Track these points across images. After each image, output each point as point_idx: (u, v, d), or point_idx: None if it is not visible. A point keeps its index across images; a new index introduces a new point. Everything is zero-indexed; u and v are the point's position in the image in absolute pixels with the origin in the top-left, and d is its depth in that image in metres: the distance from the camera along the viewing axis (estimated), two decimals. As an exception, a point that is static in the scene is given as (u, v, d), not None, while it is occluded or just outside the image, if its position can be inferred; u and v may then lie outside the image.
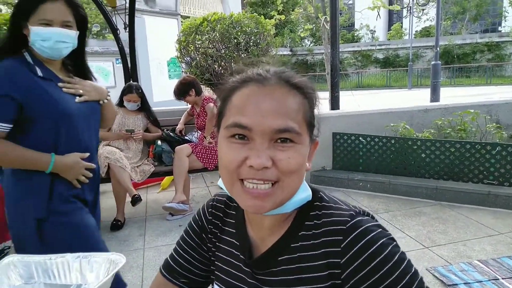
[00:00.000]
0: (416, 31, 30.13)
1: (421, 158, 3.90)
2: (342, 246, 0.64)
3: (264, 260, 0.72)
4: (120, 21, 5.65)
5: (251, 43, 5.02)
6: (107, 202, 4.00)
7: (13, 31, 1.39)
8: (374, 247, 0.62)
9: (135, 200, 3.27)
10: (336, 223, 0.66)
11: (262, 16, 5.49)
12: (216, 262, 0.81)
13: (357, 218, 0.66)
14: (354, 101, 8.86)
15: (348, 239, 0.64)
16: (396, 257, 0.63)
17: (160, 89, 11.25)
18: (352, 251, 0.63)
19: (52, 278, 0.97)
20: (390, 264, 0.62)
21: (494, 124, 4.22)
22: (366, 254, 0.62)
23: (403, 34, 31.92)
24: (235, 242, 0.78)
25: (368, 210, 2.87)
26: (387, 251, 0.62)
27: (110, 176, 3.38)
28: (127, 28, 5.29)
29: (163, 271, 0.84)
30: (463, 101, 5.12)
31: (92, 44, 15.03)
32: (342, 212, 0.68)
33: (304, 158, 0.65)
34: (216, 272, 0.81)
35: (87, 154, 1.51)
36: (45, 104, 1.37)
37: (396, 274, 0.61)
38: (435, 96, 10.78)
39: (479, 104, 4.74)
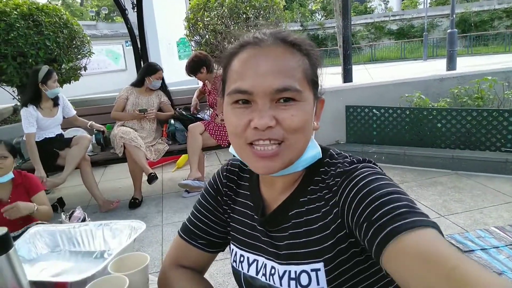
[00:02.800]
0: (431, 0, 29.08)
1: (437, 128, 3.84)
2: (338, 184, 0.66)
3: (275, 217, 0.74)
4: (128, 2, 5.62)
5: (260, 18, 4.93)
6: (125, 181, 4.10)
7: None
8: (364, 181, 0.62)
9: (151, 178, 3.33)
10: (339, 170, 0.68)
11: (271, -10, 5.37)
12: (232, 223, 0.84)
13: (360, 164, 0.67)
14: (367, 75, 8.70)
15: (342, 179, 0.65)
16: (387, 189, 0.59)
17: (171, 70, 11.27)
18: (344, 187, 0.64)
19: (76, 246, 1.02)
20: (378, 193, 0.59)
21: (513, 90, 4.11)
22: (356, 188, 0.62)
23: (417, 3, 30.83)
24: (249, 203, 0.80)
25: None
26: (375, 184, 0.61)
27: (126, 156, 3.44)
28: (135, 7, 5.26)
29: (181, 233, 0.86)
30: (480, 69, 4.97)
31: (101, 27, 15.04)
32: (347, 163, 0.69)
33: (309, 115, 0.65)
34: (232, 233, 0.84)
35: None
36: None
37: (388, 197, 0.58)
38: (451, 66, 10.49)
39: (496, 71, 4.60)
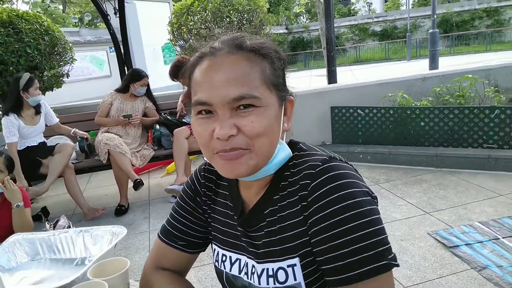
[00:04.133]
0: (414, 1, 29.57)
1: (421, 127, 3.90)
2: (309, 189, 0.65)
3: (251, 217, 0.75)
4: (110, 8, 5.58)
5: (244, 21, 4.95)
6: (110, 188, 4.05)
7: None
8: (338, 194, 0.62)
9: (137, 184, 3.30)
10: (307, 167, 0.67)
11: (254, -7, 5.40)
12: (212, 224, 0.84)
13: (330, 163, 0.66)
14: (352, 76, 8.78)
15: (315, 182, 0.64)
16: (361, 209, 0.60)
17: (156, 75, 11.22)
18: (316, 193, 0.64)
19: (57, 253, 1.00)
20: (351, 213, 0.60)
21: (493, 88, 4.20)
22: (327, 198, 0.62)
23: (400, 5, 31.33)
24: (229, 203, 0.80)
25: (370, 180, 2.85)
26: (352, 200, 0.61)
27: (111, 163, 3.41)
28: (118, 13, 5.22)
29: (161, 236, 0.86)
30: (461, 68, 5.07)
31: (85, 34, 14.88)
32: (315, 157, 0.68)
33: (271, 119, 0.65)
34: (213, 233, 0.84)
35: None
36: None
37: (355, 224, 0.59)
38: (434, 65, 10.67)
39: (477, 69, 4.70)
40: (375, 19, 26.26)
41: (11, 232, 2.18)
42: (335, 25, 5.62)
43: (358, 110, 4.22)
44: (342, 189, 0.62)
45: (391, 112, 4.03)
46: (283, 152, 0.71)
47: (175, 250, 0.84)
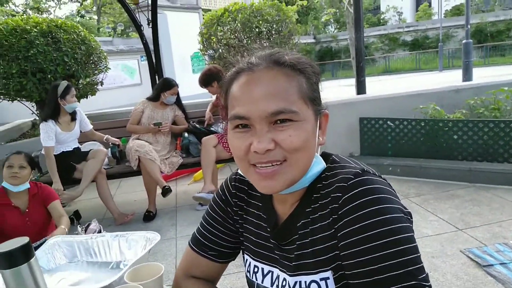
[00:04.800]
0: (446, 10, 28.91)
1: (453, 140, 3.79)
2: (340, 202, 0.65)
3: (284, 230, 0.75)
4: (143, 18, 5.77)
5: (273, 31, 4.99)
6: (139, 194, 4.14)
7: None
8: (370, 209, 0.61)
9: (166, 191, 3.36)
10: (339, 180, 0.67)
11: (284, 3, 5.45)
12: (244, 234, 0.84)
13: (363, 177, 0.65)
14: (381, 86, 8.65)
15: (346, 195, 0.64)
16: (392, 226, 0.59)
17: (184, 84, 11.49)
18: (347, 207, 0.63)
19: (93, 257, 1.04)
20: (382, 229, 0.59)
21: (531, 101, 4.03)
22: (358, 213, 0.61)
23: (431, 15, 30.71)
24: (262, 215, 0.81)
25: (400, 194, 2.77)
26: (383, 216, 0.59)
27: (141, 169, 3.49)
28: (150, 24, 5.39)
29: (192, 245, 0.87)
30: (496, 79, 4.90)
31: (117, 43, 15.39)
32: (348, 170, 0.68)
33: (308, 133, 0.66)
34: (245, 243, 0.84)
35: None
36: None
37: (385, 241, 0.58)
38: (467, 76, 10.37)
39: (513, 81, 4.53)
40: (406, 29, 25.83)
41: (44, 226, 2.29)
42: (364, 34, 5.58)
43: (388, 122, 4.15)
44: (374, 204, 0.61)
45: (422, 124, 3.94)
46: (318, 165, 0.72)
47: (205, 259, 0.85)
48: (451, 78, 12.86)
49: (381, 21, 32.69)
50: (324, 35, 28.83)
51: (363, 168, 0.68)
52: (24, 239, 0.71)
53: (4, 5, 26.89)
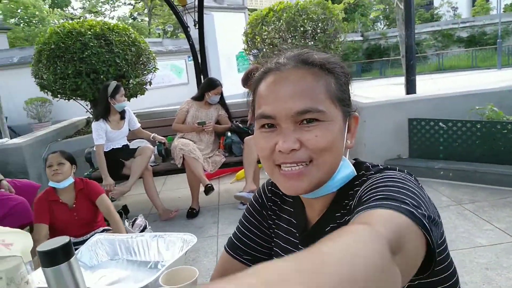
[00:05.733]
0: (506, 5, 26.96)
1: (513, 143, 3.51)
2: (362, 185, 0.64)
3: (313, 235, 0.73)
4: (190, 20, 5.90)
5: (318, 30, 4.90)
6: (183, 191, 4.24)
7: None
8: (386, 177, 0.61)
9: (208, 189, 3.41)
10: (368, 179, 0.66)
11: (330, 1, 5.33)
12: (275, 239, 0.83)
13: (388, 169, 0.65)
14: (433, 85, 8.23)
15: (369, 178, 0.65)
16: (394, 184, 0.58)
17: (230, 83, 11.64)
18: (361, 188, 0.63)
19: (133, 255, 1.06)
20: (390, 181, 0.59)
21: None
22: (374, 180, 0.61)
23: (489, 9, 28.75)
24: (293, 221, 0.80)
25: (451, 200, 2.60)
26: (387, 183, 0.59)
27: (185, 167, 3.57)
28: (197, 25, 5.50)
29: (228, 249, 0.87)
30: None
31: (167, 44, 15.91)
32: (377, 173, 0.66)
33: (336, 135, 0.64)
34: (275, 249, 0.83)
35: None
36: None
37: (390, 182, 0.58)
38: (530, 75, 9.59)
39: None
40: (461, 25, 24.36)
41: (91, 220, 2.39)
42: (416, 31, 5.31)
43: (440, 123, 3.92)
44: (391, 176, 0.61)
45: (478, 127, 3.68)
46: (346, 170, 0.69)
47: (240, 264, 0.84)
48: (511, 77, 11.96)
49: (434, 16, 31.10)
50: (372, 33, 27.97)
51: (396, 168, 0.66)
52: (65, 239, 0.73)
53: (64, 9, 28.73)
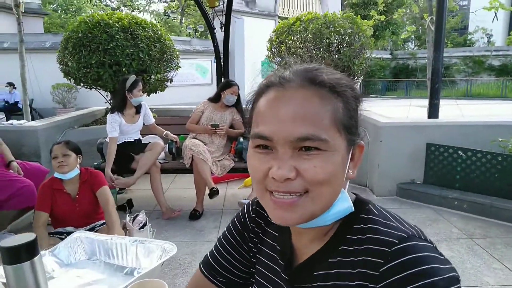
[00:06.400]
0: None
1: (535, 181, 3.34)
2: (380, 271, 0.54)
3: (299, 274, 0.66)
4: (218, 22, 5.93)
5: (344, 44, 4.83)
6: (190, 191, 4.21)
7: None
8: (421, 283, 0.50)
9: (213, 193, 3.38)
10: (381, 242, 0.56)
11: (359, 16, 5.26)
12: (257, 266, 0.77)
13: (409, 243, 0.55)
14: (458, 111, 8.00)
15: (390, 264, 0.54)
16: None
17: (253, 88, 11.63)
18: (390, 279, 0.53)
19: (111, 258, 1.03)
20: None
21: None
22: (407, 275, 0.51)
23: (526, 39, 27.90)
24: (277, 246, 0.73)
25: (463, 233, 2.48)
26: None
27: (193, 167, 3.55)
28: (223, 27, 5.51)
29: (202, 267, 0.82)
30: None
31: (195, 43, 16.09)
32: (391, 231, 0.57)
33: (337, 166, 0.57)
34: (256, 276, 0.77)
35: None
36: None
37: None
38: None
39: None
40: (494, 52, 23.72)
41: (92, 212, 2.38)
42: (446, 54, 5.19)
43: (459, 152, 3.78)
44: (425, 277, 0.51)
45: (499, 159, 3.53)
46: (343, 203, 0.62)
47: (213, 285, 0.79)
48: (543, 111, 11.54)
49: (468, 42, 30.43)
50: (402, 52, 27.55)
51: (408, 232, 0.57)
52: (31, 236, 0.70)
53: (102, 0, 29.48)
